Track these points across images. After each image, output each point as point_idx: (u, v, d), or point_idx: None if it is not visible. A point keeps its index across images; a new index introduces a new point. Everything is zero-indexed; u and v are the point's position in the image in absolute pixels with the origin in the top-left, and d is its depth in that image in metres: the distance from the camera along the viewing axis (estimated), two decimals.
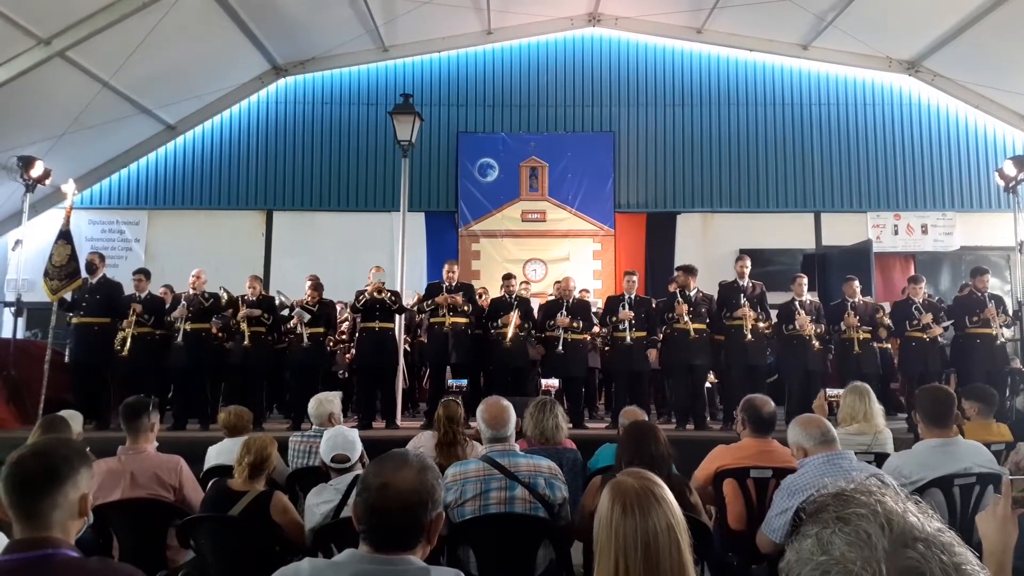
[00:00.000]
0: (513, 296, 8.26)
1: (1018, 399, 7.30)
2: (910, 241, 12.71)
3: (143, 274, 8.12)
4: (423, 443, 4.48)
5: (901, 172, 12.77)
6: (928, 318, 7.94)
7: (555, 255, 12.79)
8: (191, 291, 8.01)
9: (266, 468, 3.53)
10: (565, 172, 12.89)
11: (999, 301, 8.15)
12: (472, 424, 4.03)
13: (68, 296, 7.86)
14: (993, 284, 8.37)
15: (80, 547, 1.80)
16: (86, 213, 12.68)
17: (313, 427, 4.70)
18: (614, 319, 7.98)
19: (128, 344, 7.64)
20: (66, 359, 8.14)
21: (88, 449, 3.86)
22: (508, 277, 8.49)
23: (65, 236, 7.91)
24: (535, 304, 8.89)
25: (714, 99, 13.03)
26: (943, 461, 3.36)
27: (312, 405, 4.77)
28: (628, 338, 7.82)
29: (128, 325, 7.67)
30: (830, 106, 12.98)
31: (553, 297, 8.95)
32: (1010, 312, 8.34)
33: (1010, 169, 9.18)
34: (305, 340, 7.95)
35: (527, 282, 10.36)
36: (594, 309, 9.14)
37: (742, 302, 7.73)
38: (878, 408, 4.48)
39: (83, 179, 12.14)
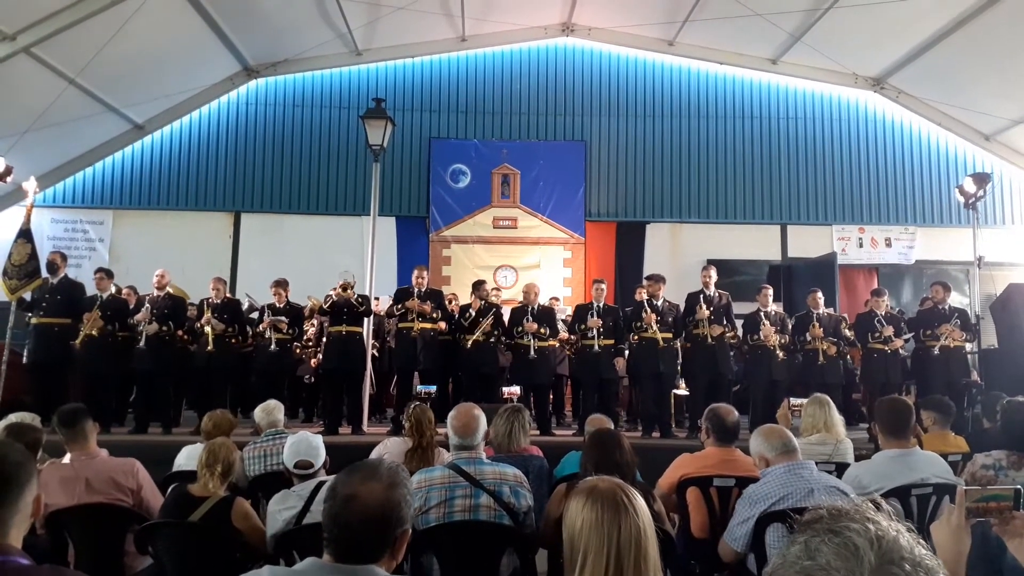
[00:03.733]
0: (484, 303, 8.27)
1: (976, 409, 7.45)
2: (874, 254, 12.95)
3: (104, 273, 7.97)
4: (389, 449, 4.46)
5: (866, 186, 13.01)
6: (890, 331, 8.11)
7: (526, 262, 12.82)
8: (155, 292, 7.89)
9: (231, 474, 3.49)
10: (537, 180, 12.94)
11: (963, 314, 8.33)
12: (440, 430, 4.02)
13: (28, 296, 7.70)
14: (952, 298, 8.52)
15: (33, 554, 1.76)
16: (49, 212, 12.43)
17: (264, 433, 4.67)
18: (583, 327, 8.01)
19: (80, 339, 7.45)
20: (24, 360, 7.97)
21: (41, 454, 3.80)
22: (478, 285, 8.48)
23: (25, 235, 7.75)
24: (505, 311, 8.89)
25: (684, 111, 13.17)
26: (901, 471, 3.41)
27: (260, 415, 4.78)
28: (596, 346, 7.86)
29: (88, 320, 7.50)
30: (798, 120, 13.19)
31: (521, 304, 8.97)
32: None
33: (970, 186, 9.39)
34: (272, 344, 7.87)
35: (497, 289, 10.34)
36: (563, 316, 9.17)
37: (700, 303, 7.86)
38: (838, 418, 4.55)
39: (47, 177, 11.89)
